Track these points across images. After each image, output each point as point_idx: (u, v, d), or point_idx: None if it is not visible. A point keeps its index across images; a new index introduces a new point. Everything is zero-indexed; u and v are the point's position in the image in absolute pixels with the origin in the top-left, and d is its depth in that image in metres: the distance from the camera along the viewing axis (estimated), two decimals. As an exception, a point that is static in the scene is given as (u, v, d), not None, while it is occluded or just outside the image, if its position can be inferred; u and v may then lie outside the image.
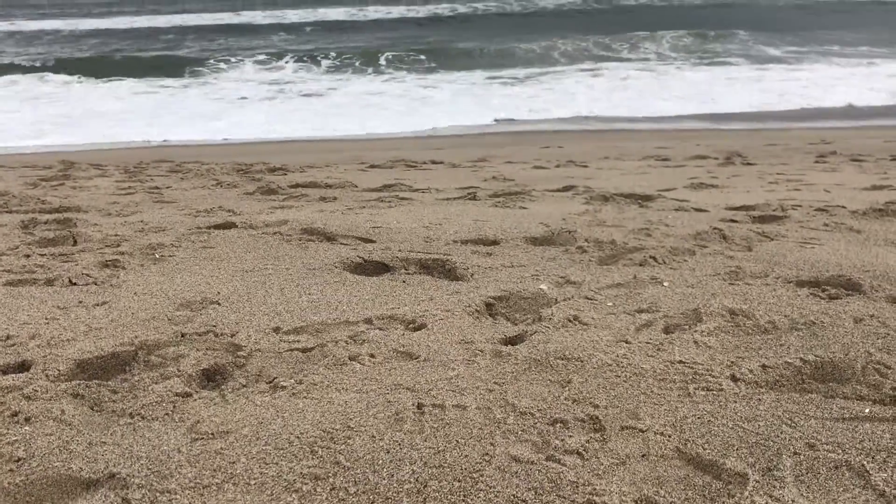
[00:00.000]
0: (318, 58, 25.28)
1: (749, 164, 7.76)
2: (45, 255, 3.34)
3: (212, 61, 25.09)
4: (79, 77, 20.80)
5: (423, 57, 25.50)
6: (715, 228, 3.83)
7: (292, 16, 48.77)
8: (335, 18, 46.72)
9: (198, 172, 7.11)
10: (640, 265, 3.19)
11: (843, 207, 4.63)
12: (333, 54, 25.79)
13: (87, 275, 2.96)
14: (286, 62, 24.88)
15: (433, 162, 8.67)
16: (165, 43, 32.16)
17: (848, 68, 20.59)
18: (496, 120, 14.17)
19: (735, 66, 22.86)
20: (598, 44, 28.62)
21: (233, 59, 25.11)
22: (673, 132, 12.28)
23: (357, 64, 24.22)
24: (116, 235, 3.70)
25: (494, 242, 3.67)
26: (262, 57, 25.97)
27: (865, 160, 7.73)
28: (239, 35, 35.81)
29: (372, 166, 8.21)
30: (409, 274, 3.14)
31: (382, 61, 24.92)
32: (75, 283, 2.86)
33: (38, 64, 23.98)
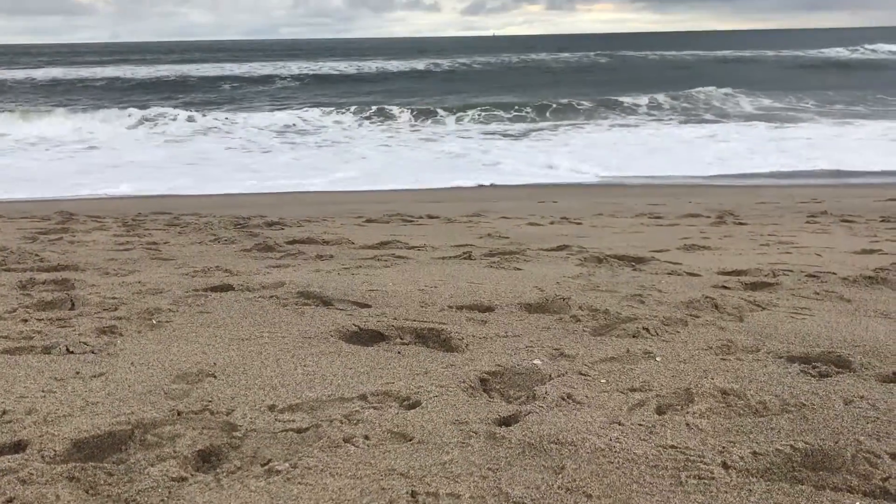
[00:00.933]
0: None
1: (741, 223, 7.85)
2: (42, 319, 3.36)
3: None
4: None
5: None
6: (707, 297, 3.87)
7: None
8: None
9: (196, 227, 7.16)
10: (634, 336, 3.22)
11: (834, 274, 4.68)
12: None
13: (85, 343, 2.98)
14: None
15: (429, 216, 8.75)
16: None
17: (836, 127, 20.97)
18: (483, 184, 13.91)
19: (724, 123, 23.31)
20: (593, 100, 29.09)
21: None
22: (666, 188, 12.42)
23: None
24: (114, 298, 3.72)
25: (489, 309, 3.71)
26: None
27: (855, 221, 7.83)
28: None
29: (369, 220, 8.28)
30: (404, 344, 3.16)
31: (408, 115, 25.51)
32: (72, 352, 2.88)
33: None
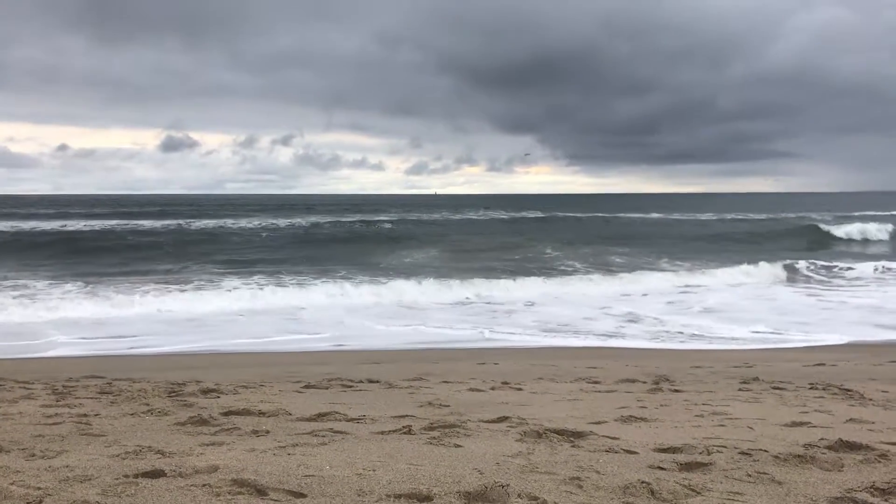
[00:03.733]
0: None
1: (677, 390, 8.01)
2: (-42, 516, 3.20)
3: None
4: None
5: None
6: (643, 482, 3.91)
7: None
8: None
9: (129, 395, 6.98)
10: (571, 529, 3.22)
11: (766, 451, 4.79)
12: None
13: (3, 546, 2.84)
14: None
15: (369, 381, 8.70)
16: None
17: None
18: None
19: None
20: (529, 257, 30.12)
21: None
22: (605, 350, 12.64)
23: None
24: (39, 489, 3.57)
25: (428, 498, 3.67)
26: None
27: (786, 388, 8.07)
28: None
29: (308, 386, 8.19)
30: (340, 540, 3.09)
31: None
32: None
33: None
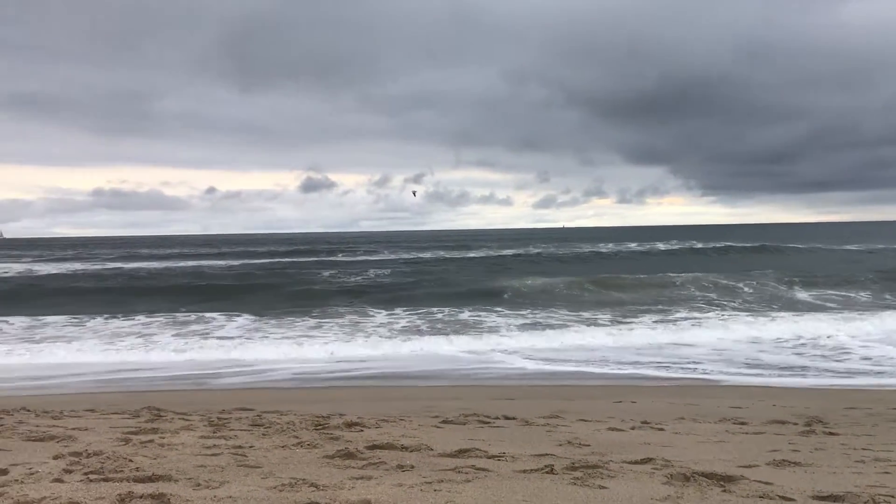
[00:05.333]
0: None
1: (831, 433, 7.57)
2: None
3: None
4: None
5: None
6: (806, 532, 3.73)
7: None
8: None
9: (278, 428, 7.30)
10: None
11: (939, 504, 4.45)
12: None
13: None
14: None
15: (505, 417, 8.71)
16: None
17: None
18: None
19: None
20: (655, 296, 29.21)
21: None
22: (746, 388, 12.11)
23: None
24: (213, 519, 3.80)
25: (578, 540, 3.64)
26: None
27: (956, 433, 7.46)
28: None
29: (446, 421, 8.28)
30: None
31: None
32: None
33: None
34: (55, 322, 23.43)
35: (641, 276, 34.50)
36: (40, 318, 24.01)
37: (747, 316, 23.64)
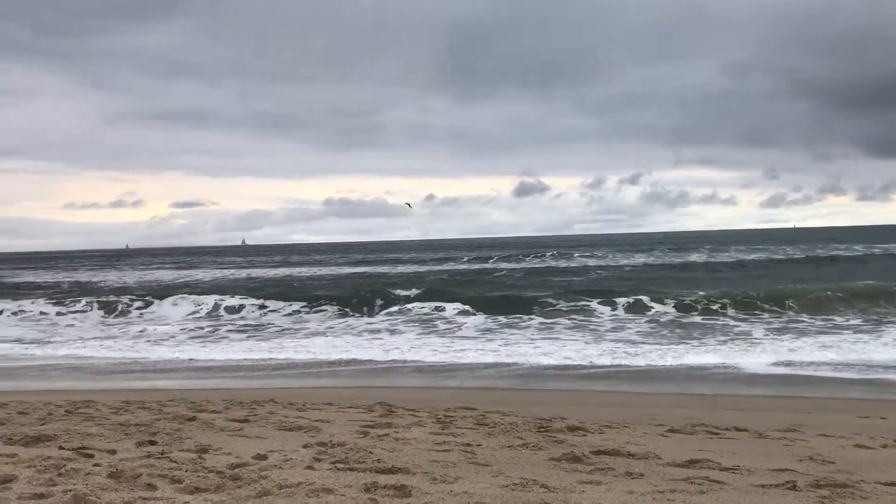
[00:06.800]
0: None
1: None
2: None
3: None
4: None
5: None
6: None
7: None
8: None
9: (503, 428, 7.45)
10: None
11: None
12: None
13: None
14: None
15: (736, 429, 8.27)
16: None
17: None
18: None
19: None
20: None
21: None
22: None
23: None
24: (450, 512, 3.97)
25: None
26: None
27: None
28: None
29: (672, 430, 8.02)
30: None
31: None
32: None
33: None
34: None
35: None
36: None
37: None
